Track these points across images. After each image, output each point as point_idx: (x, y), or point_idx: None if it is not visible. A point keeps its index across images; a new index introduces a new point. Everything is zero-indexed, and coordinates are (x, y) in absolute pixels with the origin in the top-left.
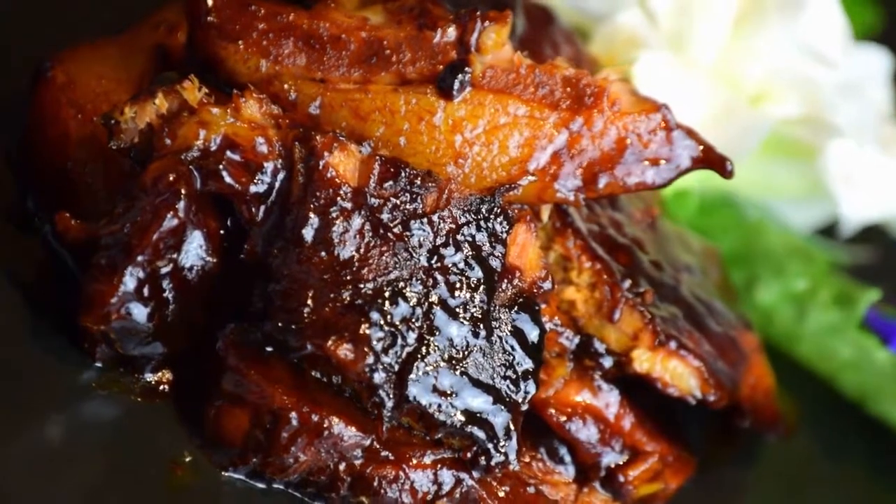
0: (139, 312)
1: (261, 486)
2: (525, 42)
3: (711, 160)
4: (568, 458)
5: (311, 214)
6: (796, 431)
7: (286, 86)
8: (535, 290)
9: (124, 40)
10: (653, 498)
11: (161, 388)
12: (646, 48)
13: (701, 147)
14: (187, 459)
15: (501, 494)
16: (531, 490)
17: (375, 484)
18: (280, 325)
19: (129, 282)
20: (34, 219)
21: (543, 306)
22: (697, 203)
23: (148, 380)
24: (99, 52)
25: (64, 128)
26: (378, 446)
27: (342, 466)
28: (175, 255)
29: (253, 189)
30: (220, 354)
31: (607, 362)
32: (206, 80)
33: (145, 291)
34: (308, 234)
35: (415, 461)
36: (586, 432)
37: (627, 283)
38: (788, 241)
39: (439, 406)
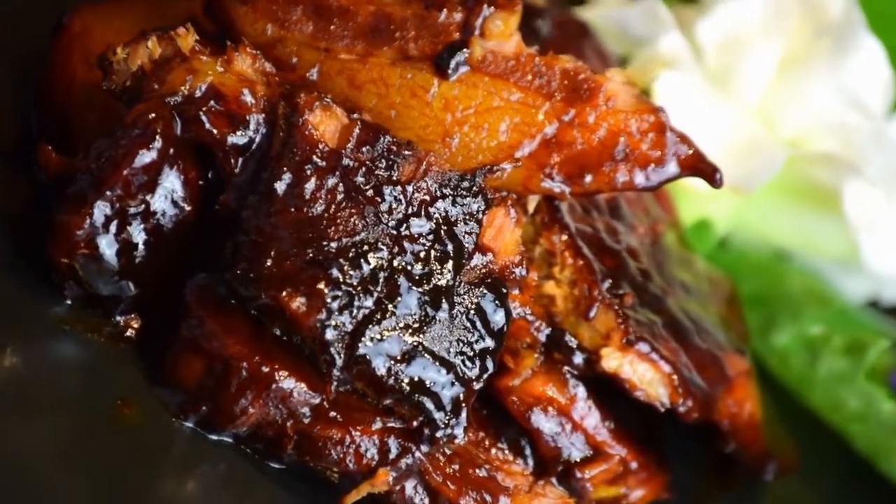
0: (107, 249)
1: (212, 437)
2: (549, 45)
3: (702, 168)
4: (528, 452)
5: (286, 169)
6: (793, 471)
7: (289, 50)
8: (506, 274)
9: (154, 1)
10: (612, 503)
11: (128, 332)
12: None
13: (692, 153)
14: (138, 401)
15: (449, 471)
16: (482, 473)
17: (321, 444)
18: (239, 273)
19: (98, 215)
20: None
21: (516, 292)
22: (719, 237)
23: (116, 322)
24: (125, 9)
25: (72, 73)
26: (328, 408)
27: (290, 423)
28: (148, 196)
29: (232, 139)
30: (186, 301)
31: (578, 358)
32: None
33: (113, 227)
34: (280, 188)
35: (362, 426)
36: (548, 425)
37: (608, 284)
38: (807, 283)
39: (389, 371)
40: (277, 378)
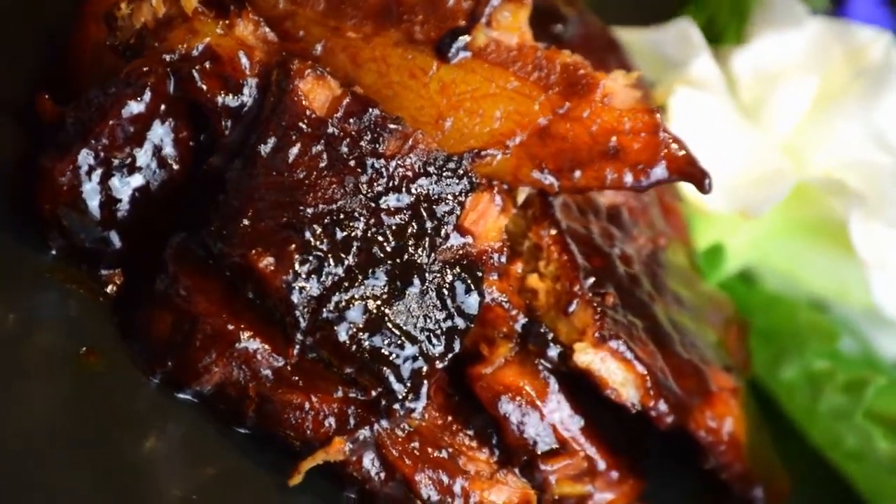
0: (90, 197)
1: (178, 397)
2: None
3: (692, 173)
4: (495, 442)
5: (271, 133)
6: (784, 500)
7: (298, 25)
8: (484, 259)
9: None
10: (578, 502)
11: (109, 287)
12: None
13: (683, 156)
14: (105, 353)
15: (408, 448)
16: (443, 454)
17: (280, 409)
18: (213, 230)
19: (82, 162)
20: None
21: (494, 278)
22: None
23: (98, 276)
24: None
25: (86, 31)
26: (291, 374)
27: (252, 385)
28: (135, 150)
29: (224, 101)
30: (163, 258)
31: (552, 352)
32: None
33: (97, 176)
34: (264, 151)
35: (323, 394)
36: (515, 413)
37: (591, 281)
38: (813, 318)
39: (352, 338)
40: (241, 337)
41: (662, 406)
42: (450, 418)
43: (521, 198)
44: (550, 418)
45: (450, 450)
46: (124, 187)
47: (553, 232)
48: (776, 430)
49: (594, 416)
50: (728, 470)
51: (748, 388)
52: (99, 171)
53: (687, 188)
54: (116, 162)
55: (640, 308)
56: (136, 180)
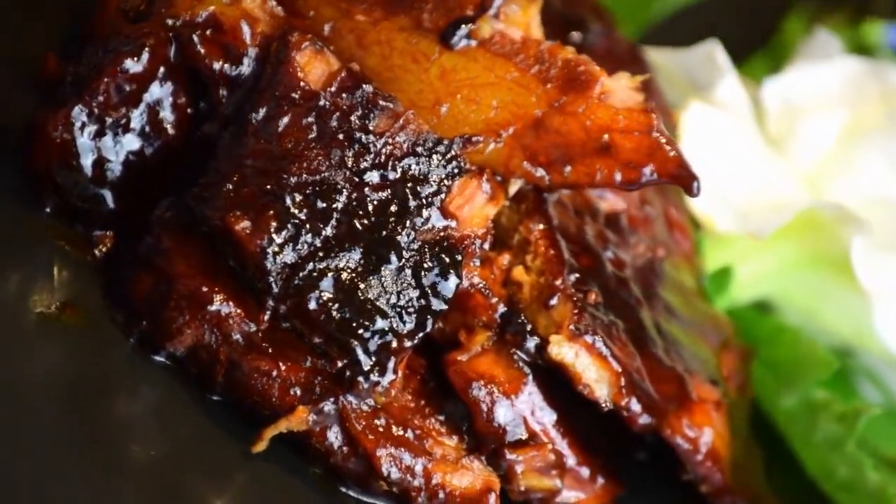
0: (82, 154)
1: (155, 361)
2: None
3: (681, 176)
4: (466, 430)
5: (264, 102)
6: None
7: (309, 4)
8: (465, 244)
9: None
10: (545, 501)
11: (100, 248)
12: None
13: (673, 157)
14: (85, 309)
15: (373, 423)
16: (409, 435)
17: (248, 375)
18: (197, 191)
19: (75, 118)
20: None
21: (476, 265)
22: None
23: (89, 237)
24: None
25: (107, 8)
26: (262, 341)
27: (223, 350)
28: (131, 111)
29: (223, 69)
30: (150, 220)
31: (530, 344)
32: None
33: (90, 133)
34: (255, 119)
35: (291, 363)
36: (486, 401)
37: (574, 277)
38: (813, 348)
39: (323, 307)
40: (214, 300)
41: (635, 405)
42: (423, 402)
43: (512, 189)
44: (521, 409)
45: (417, 432)
46: (118, 147)
47: (542, 227)
48: (780, 461)
49: (573, 414)
50: (707, 483)
51: (751, 414)
52: (92, 128)
53: (696, 207)
54: (110, 120)
55: (625, 310)
56: (131, 141)
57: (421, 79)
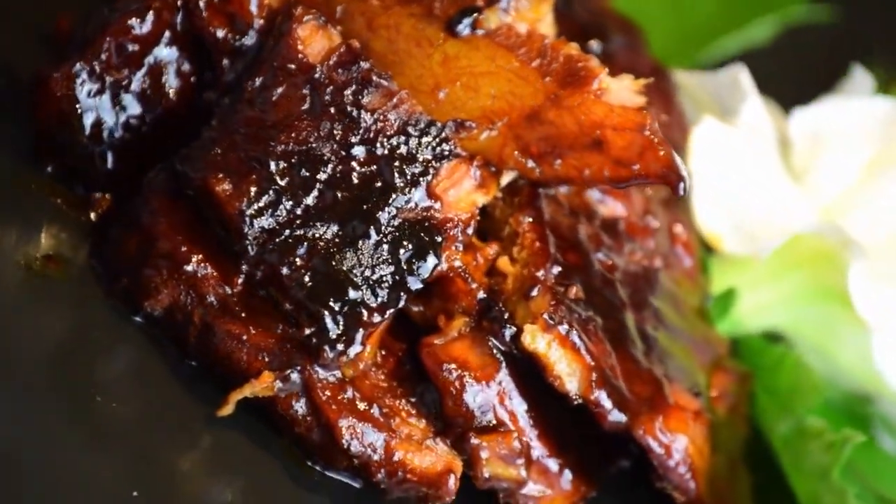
0: (83, 113)
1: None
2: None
3: (668, 176)
4: (437, 414)
5: (261, 72)
6: None
7: None
8: (447, 227)
9: None
10: (510, 493)
11: (97, 210)
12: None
13: (663, 156)
14: (70, 264)
15: (339, 396)
16: (374, 411)
17: (219, 337)
18: (184, 152)
19: (77, 75)
20: None
21: (459, 249)
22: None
23: (85, 197)
24: None
25: None
26: (236, 305)
27: (197, 311)
28: (133, 73)
29: (227, 37)
30: (144, 181)
31: (507, 332)
32: None
33: (90, 91)
34: (251, 87)
35: (262, 329)
36: (456, 385)
37: (557, 271)
38: (806, 374)
39: (296, 274)
40: (192, 260)
41: (605, 401)
42: (395, 384)
43: (504, 180)
44: (491, 396)
45: (385, 410)
46: (117, 108)
47: (531, 220)
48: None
49: (546, 408)
50: (680, 492)
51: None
52: (93, 87)
53: (704, 226)
54: (111, 80)
55: (607, 309)
56: (131, 104)
57: (423, 64)
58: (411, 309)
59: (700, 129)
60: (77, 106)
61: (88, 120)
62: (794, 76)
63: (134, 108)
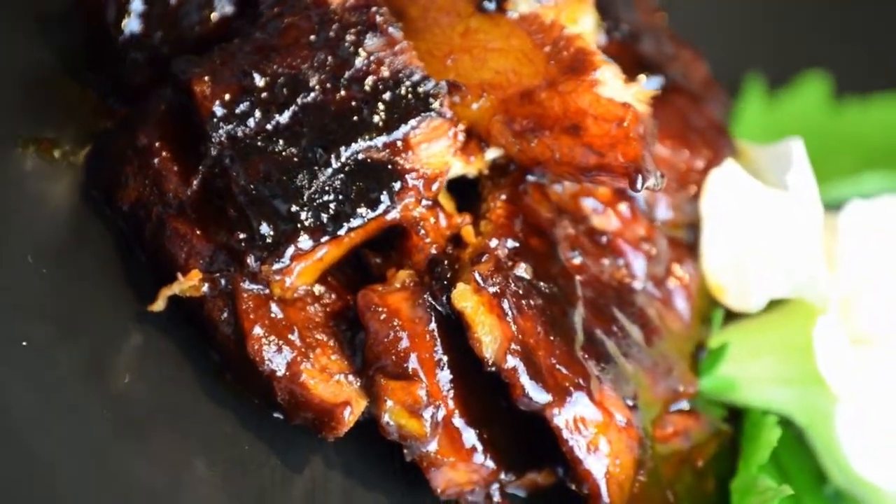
0: (129, 23)
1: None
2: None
3: (629, 171)
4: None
5: (281, 2)
6: None
7: None
8: (409, 175)
9: None
10: (413, 451)
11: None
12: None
13: (633, 150)
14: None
15: (263, 309)
16: (293, 335)
17: (168, 234)
18: (185, 57)
19: None
20: None
21: (422, 204)
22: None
23: (109, 105)
24: None
25: None
26: (192, 209)
27: (156, 208)
28: None
29: None
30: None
31: (447, 294)
32: None
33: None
34: (267, 15)
35: (207, 232)
36: (380, 328)
37: (512, 245)
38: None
39: (248, 182)
40: (161, 154)
41: (521, 374)
42: (332, 324)
43: (489, 155)
44: (411, 345)
45: (308, 340)
46: (162, 22)
47: (505, 197)
48: None
49: (478, 381)
50: (593, 497)
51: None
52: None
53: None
54: None
55: (554, 296)
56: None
57: (445, 32)
58: (372, 260)
59: (719, 168)
60: (124, 15)
61: (131, 29)
62: None
63: (175, 27)
